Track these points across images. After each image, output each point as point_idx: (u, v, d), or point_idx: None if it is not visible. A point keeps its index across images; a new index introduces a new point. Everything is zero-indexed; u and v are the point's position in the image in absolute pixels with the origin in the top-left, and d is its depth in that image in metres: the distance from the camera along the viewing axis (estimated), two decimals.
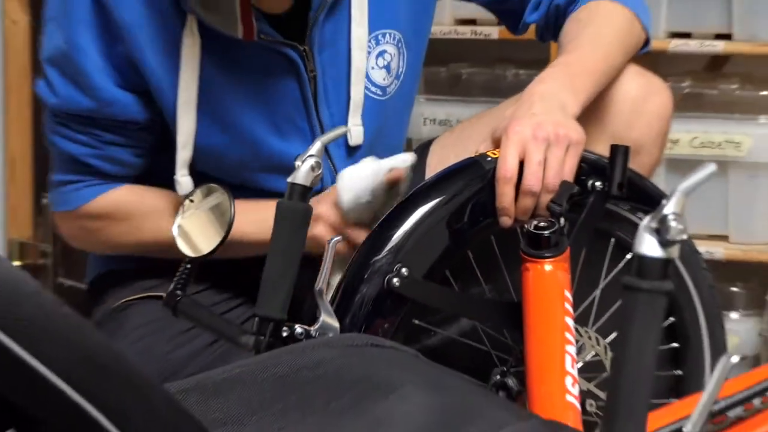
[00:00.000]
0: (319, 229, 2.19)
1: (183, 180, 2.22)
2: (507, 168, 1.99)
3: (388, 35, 2.29)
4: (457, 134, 2.38)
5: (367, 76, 2.30)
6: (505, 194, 2.00)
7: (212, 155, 2.26)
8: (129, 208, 2.30)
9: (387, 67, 2.30)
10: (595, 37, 2.26)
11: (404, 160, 2.11)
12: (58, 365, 1.27)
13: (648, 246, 1.48)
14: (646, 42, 2.40)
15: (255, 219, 2.21)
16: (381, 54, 2.27)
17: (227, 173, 2.24)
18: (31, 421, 1.36)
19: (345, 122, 2.25)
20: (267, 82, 2.23)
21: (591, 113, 2.20)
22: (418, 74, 2.46)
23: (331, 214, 2.18)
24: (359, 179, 2.08)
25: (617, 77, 2.28)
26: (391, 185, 2.12)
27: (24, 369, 1.22)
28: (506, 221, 2.01)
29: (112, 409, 1.33)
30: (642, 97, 2.26)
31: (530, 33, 2.61)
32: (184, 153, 2.23)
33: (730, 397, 1.77)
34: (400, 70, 2.31)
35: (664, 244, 1.46)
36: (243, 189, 2.19)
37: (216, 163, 2.27)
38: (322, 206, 2.18)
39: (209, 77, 2.19)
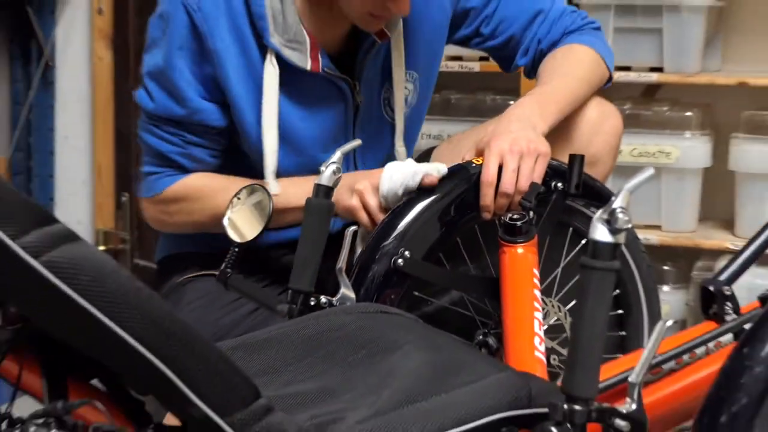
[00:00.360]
0: (354, 201, 2.22)
1: (273, 183, 2.21)
2: (489, 174, 2.03)
3: (409, 75, 2.32)
4: (454, 144, 2.41)
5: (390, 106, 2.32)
6: (487, 195, 2.04)
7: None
8: (200, 190, 2.38)
9: (405, 99, 2.31)
10: (565, 74, 2.29)
11: (439, 169, 2.11)
12: (132, 329, 1.36)
13: (600, 233, 1.52)
14: (609, 78, 2.39)
15: (301, 191, 2.18)
16: (408, 83, 2.29)
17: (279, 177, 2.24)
18: (111, 373, 1.52)
19: (374, 143, 2.26)
20: (322, 106, 2.27)
21: (561, 131, 2.27)
22: (426, 103, 2.48)
23: (369, 194, 2.18)
24: (400, 174, 2.11)
25: (588, 104, 2.27)
26: (423, 187, 2.10)
27: (107, 332, 1.34)
28: (487, 215, 2.04)
29: (175, 363, 1.40)
30: (600, 120, 2.30)
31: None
32: (271, 161, 2.26)
33: (665, 353, 1.77)
34: (412, 99, 2.31)
35: (613, 231, 1.50)
36: None
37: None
38: (362, 184, 2.20)
39: (280, 100, 2.19)
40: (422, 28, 2.37)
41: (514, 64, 2.47)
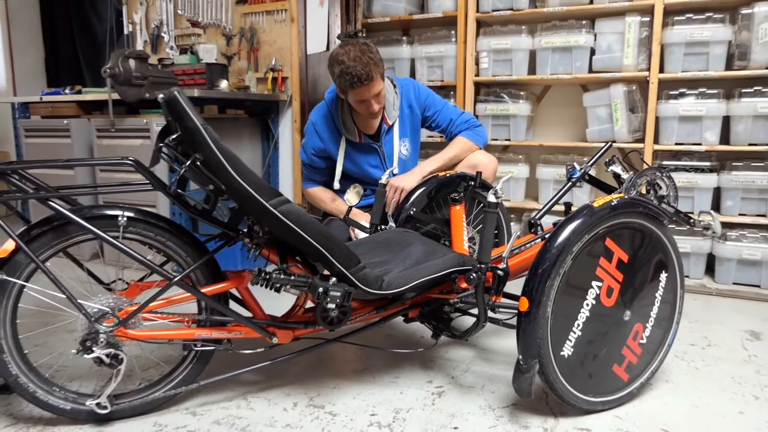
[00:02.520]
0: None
1: (337, 184, 2.18)
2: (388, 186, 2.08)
3: (402, 140, 2.22)
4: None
5: (400, 153, 2.22)
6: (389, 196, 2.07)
7: (348, 176, 2.19)
8: (316, 195, 2.31)
9: (407, 149, 2.22)
10: (450, 149, 2.21)
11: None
12: (311, 235, 1.41)
13: (491, 198, 1.57)
14: (480, 147, 2.32)
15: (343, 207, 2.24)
16: (404, 145, 2.19)
17: (356, 181, 2.19)
18: (303, 253, 1.54)
19: (391, 168, 2.21)
20: (368, 155, 2.17)
21: (476, 166, 2.22)
22: (417, 154, 2.37)
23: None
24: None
25: (476, 153, 2.22)
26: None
27: (302, 238, 1.39)
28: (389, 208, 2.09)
29: (327, 247, 1.44)
30: (488, 161, 2.19)
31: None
32: (338, 175, 2.18)
33: (515, 246, 1.82)
34: (407, 152, 2.21)
35: (496, 198, 1.54)
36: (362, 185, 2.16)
37: (351, 177, 2.21)
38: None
39: (348, 153, 2.13)
40: (407, 120, 2.30)
41: (446, 137, 2.36)
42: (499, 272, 1.61)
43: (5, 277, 1.41)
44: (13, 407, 1.63)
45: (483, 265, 1.61)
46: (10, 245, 1.43)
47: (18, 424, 1.54)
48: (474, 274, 1.59)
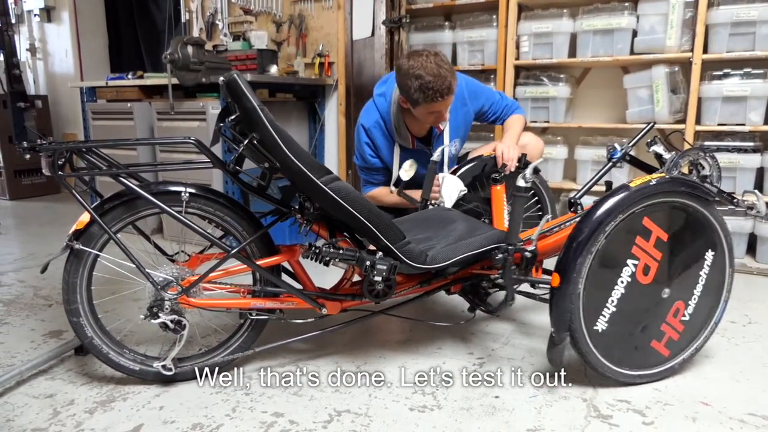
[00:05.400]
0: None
1: (392, 188, 2.27)
2: (500, 153, 2.04)
3: (453, 141, 2.19)
4: (476, 150, 2.29)
5: (450, 153, 2.20)
6: (500, 160, 2.04)
7: (400, 180, 2.20)
8: (377, 196, 2.27)
9: (456, 148, 2.19)
10: (514, 126, 2.17)
11: (460, 188, 2.06)
12: (359, 211, 1.42)
13: (520, 183, 1.50)
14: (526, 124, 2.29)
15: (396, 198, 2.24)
16: (453, 144, 2.16)
17: (408, 185, 2.19)
18: (350, 229, 1.54)
19: (442, 147, 2.22)
20: (419, 158, 2.12)
21: (522, 147, 2.17)
22: (464, 143, 2.33)
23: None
24: (455, 185, 2.07)
25: (524, 135, 2.18)
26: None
27: (350, 214, 1.39)
28: (506, 170, 2.04)
29: (374, 223, 1.45)
30: (535, 142, 2.15)
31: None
32: (394, 179, 2.19)
33: (551, 226, 1.79)
34: (457, 148, 2.19)
35: (525, 183, 1.49)
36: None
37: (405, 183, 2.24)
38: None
39: (401, 159, 2.11)
40: (460, 118, 2.28)
41: (498, 123, 2.34)
42: (526, 254, 1.58)
43: (82, 246, 1.46)
44: (88, 367, 1.69)
45: (511, 247, 1.58)
46: (85, 218, 1.48)
47: (92, 383, 1.60)
48: (500, 255, 1.57)
